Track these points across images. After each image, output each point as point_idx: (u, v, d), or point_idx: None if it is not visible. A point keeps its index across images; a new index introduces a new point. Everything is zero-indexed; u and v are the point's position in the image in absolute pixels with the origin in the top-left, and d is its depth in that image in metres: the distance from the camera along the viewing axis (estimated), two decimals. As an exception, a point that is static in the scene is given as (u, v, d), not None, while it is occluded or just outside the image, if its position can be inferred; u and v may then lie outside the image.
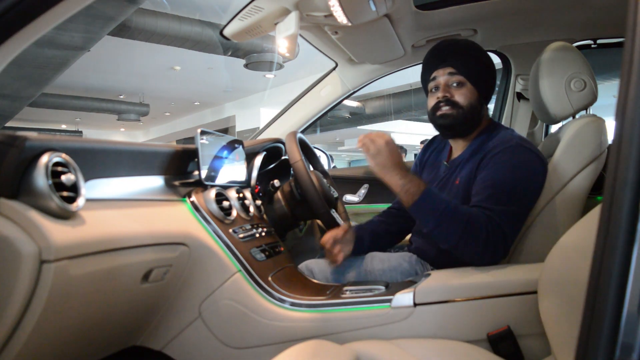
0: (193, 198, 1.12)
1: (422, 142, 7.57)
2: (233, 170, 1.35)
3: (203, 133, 1.20)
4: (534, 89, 1.37)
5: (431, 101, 1.31)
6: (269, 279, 1.15)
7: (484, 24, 1.70)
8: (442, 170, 1.37)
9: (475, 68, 1.27)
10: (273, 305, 1.09)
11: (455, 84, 1.26)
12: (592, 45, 1.82)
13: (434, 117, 1.30)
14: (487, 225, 1.07)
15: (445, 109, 1.26)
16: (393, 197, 1.50)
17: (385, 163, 1.13)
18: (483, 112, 1.31)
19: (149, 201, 1.02)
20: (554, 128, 1.93)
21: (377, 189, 2.11)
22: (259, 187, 1.60)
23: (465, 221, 1.07)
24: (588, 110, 1.31)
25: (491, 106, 2.03)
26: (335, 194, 1.62)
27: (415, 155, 1.81)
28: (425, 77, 1.34)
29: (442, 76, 1.28)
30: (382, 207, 1.61)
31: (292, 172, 1.51)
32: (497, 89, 2.08)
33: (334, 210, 1.51)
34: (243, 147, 1.43)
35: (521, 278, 1.00)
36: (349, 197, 2.11)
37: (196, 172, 1.17)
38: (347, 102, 8.90)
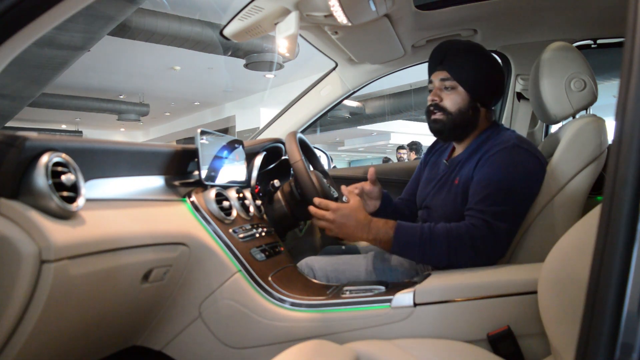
0: (193, 198, 1.12)
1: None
2: (233, 170, 1.35)
3: (203, 133, 1.20)
4: (534, 89, 1.37)
5: (428, 103, 1.34)
6: (269, 279, 1.15)
7: (484, 24, 1.70)
8: (442, 168, 1.38)
9: (469, 72, 1.26)
10: (273, 305, 1.09)
11: (446, 88, 1.27)
12: (592, 45, 1.81)
13: (428, 121, 1.34)
14: (468, 232, 1.09)
15: (435, 114, 1.29)
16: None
17: (346, 231, 1.17)
18: (479, 116, 1.30)
19: (149, 201, 1.02)
20: (554, 128, 1.93)
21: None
22: (259, 187, 1.60)
23: (446, 240, 1.10)
24: (588, 110, 1.31)
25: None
26: (335, 194, 1.62)
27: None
28: (429, 77, 1.36)
29: (436, 79, 1.30)
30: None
31: (292, 172, 1.51)
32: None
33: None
34: (243, 147, 1.43)
35: (521, 278, 1.00)
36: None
37: (196, 172, 1.17)
38: (347, 102, 8.90)
